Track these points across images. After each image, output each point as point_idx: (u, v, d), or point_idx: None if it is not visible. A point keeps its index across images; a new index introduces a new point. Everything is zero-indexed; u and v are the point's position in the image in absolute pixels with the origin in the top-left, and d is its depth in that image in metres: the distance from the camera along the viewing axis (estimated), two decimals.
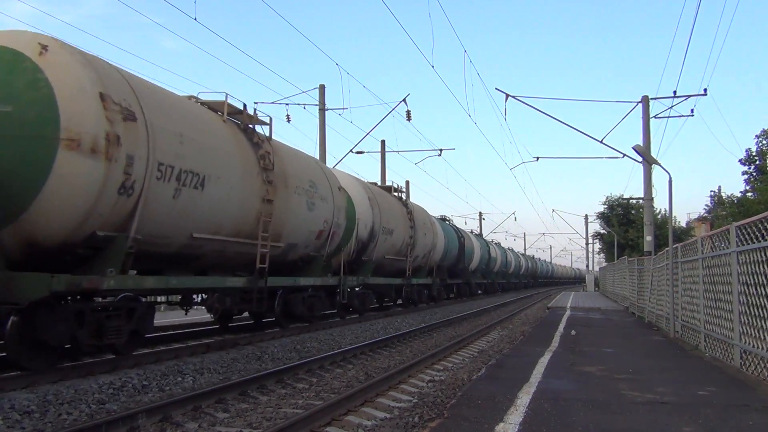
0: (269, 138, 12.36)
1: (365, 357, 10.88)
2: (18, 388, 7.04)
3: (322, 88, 24.51)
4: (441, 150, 31.68)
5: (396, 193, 22.69)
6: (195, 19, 15.44)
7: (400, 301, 23.88)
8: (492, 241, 48.11)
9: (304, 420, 5.77)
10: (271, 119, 12.51)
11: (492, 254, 41.55)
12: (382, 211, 18.91)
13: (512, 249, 57.71)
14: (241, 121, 11.64)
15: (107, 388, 7.32)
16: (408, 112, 26.22)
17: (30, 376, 7.52)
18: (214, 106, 11.06)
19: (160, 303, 14.31)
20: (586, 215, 68.26)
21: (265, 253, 11.40)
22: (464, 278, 33.24)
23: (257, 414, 6.47)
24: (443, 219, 31.23)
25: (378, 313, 20.38)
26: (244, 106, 11.67)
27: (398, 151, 52.83)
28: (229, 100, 11.20)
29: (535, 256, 79.79)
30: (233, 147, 10.66)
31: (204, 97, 11.18)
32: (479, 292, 40.39)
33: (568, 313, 20.01)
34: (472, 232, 40.67)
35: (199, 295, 12.36)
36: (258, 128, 12.16)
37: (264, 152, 11.58)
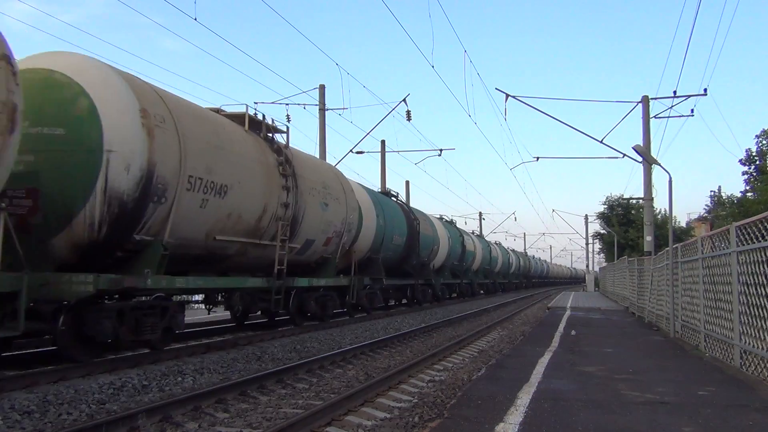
0: None
1: (365, 357, 10.87)
2: (18, 388, 7.05)
3: (322, 88, 24.52)
4: (441, 150, 31.69)
5: (270, 133, 13.21)
6: (195, 19, 15.41)
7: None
8: (473, 233, 40.82)
9: (304, 420, 5.76)
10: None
11: (468, 248, 33.56)
12: (189, 142, 9.70)
13: (500, 243, 51.50)
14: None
15: (107, 388, 7.32)
16: (408, 112, 26.25)
17: (30, 376, 7.54)
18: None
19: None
20: (586, 215, 68.31)
21: None
22: (422, 277, 25.38)
23: (257, 414, 6.47)
24: (387, 194, 23.88)
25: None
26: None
27: (398, 151, 52.78)
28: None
29: (529, 254, 72.48)
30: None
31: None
32: (452, 295, 32.48)
33: (568, 313, 20.01)
34: (442, 218, 31.66)
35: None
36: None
37: None
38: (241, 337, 12.05)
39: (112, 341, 9.00)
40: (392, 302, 24.49)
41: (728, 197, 35.13)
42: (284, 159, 12.93)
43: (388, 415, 6.43)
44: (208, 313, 14.46)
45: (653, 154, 20.24)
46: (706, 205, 41.63)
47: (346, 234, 16.15)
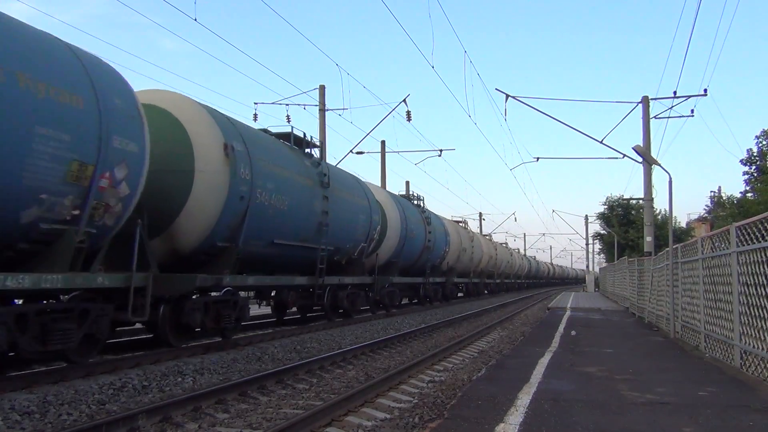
0: None
1: (365, 357, 10.87)
2: (18, 389, 7.05)
3: (322, 88, 24.51)
4: (441, 150, 31.63)
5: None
6: (195, 19, 15.41)
7: None
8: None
9: (304, 420, 5.77)
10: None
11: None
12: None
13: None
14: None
15: (107, 388, 7.32)
16: (408, 113, 26.22)
17: (30, 376, 7.54)
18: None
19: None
20: (586, 216, 68.15)
21: None
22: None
23: (257, 414, 6.47)
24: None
25: None
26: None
27: (398, 152, 52.58)
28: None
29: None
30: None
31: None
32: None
33: (568, 313, 20.01)
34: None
35: None
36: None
37: None
38: (241, 337, 12.06)
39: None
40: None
41: (728, 198, 35.15)
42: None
43: (388, 416, 6.43)
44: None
45: (653, 154, 20.25)
46: (706, 206, 41.76)
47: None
